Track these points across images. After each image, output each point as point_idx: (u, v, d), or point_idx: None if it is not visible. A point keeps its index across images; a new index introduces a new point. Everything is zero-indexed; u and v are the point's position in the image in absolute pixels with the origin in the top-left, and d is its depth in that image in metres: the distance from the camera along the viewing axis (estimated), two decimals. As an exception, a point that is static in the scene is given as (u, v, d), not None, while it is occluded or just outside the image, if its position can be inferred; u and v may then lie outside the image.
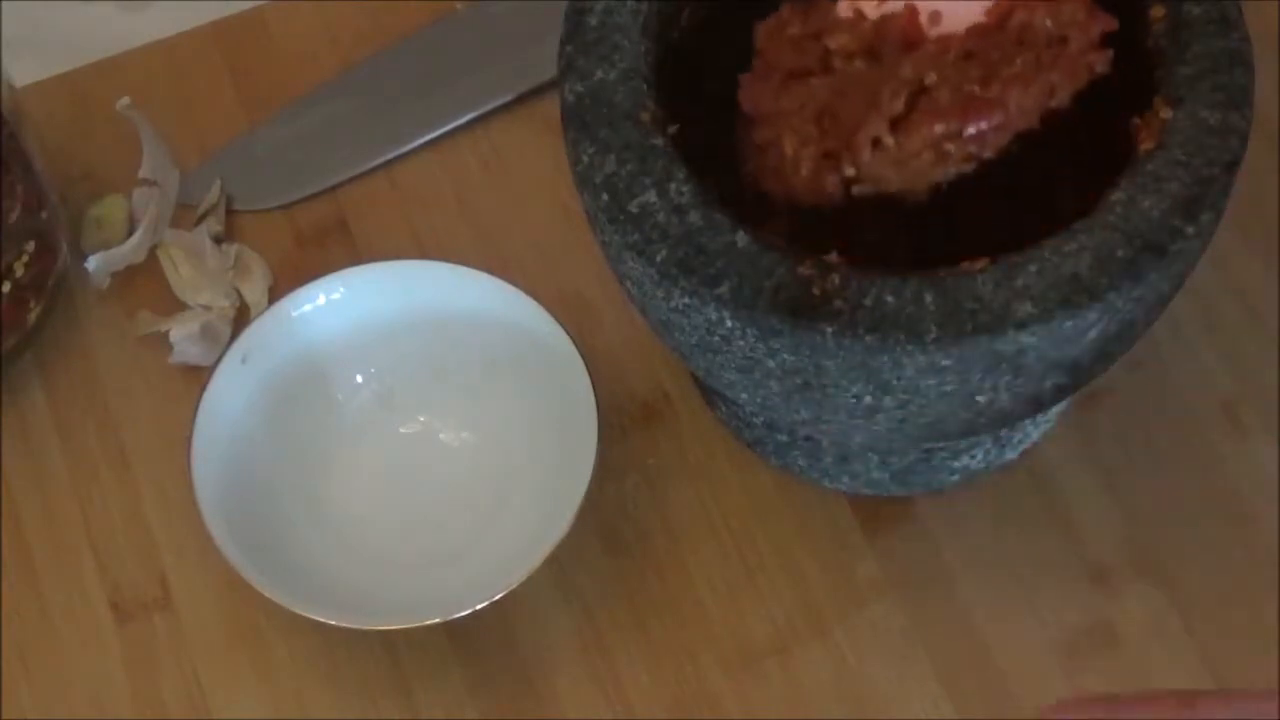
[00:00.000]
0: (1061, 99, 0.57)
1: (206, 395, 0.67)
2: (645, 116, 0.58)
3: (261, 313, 0.70)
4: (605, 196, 0.57)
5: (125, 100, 0.76)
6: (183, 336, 0.72)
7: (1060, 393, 0.58)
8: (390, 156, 0.78)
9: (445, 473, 0.70)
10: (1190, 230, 0.55)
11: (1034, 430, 0.69)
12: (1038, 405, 0.58)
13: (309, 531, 0.67)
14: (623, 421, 0.70)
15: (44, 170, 0.72)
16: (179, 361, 0.72)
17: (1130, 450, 0.69)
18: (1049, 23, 0.58)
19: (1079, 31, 0.57)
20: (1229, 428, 0.69)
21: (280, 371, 0.68)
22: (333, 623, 0.63)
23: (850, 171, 0.57)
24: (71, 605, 0.68)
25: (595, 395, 0.65)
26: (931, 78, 0.57)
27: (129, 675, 0.67)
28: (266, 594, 0.63)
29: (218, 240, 0.75)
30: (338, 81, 0.80)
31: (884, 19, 0.59)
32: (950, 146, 0.57)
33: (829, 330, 0.54)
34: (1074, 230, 0.55)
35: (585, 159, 0.58)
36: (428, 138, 0.78)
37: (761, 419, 0.68)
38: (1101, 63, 0.57)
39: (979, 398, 0.56)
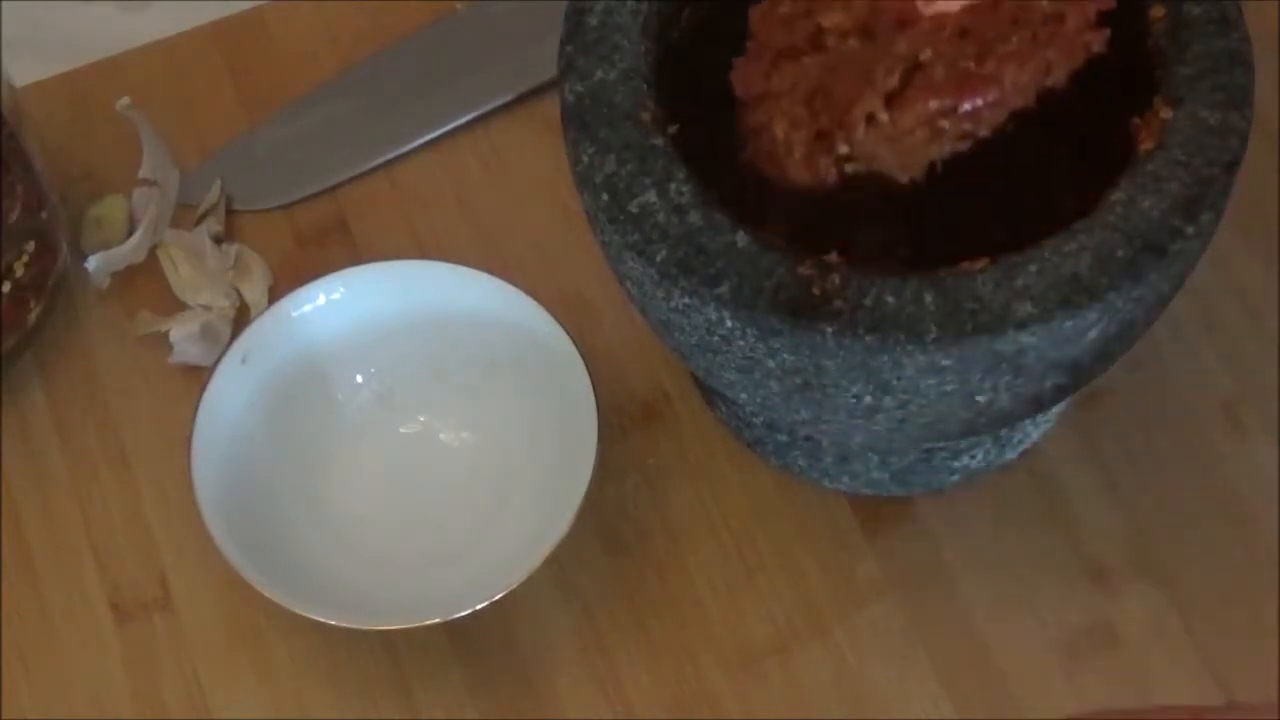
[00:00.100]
0: (1058, 78, 0.57)
1: (206, 395, 0.67)
2: (645, 116, 0.58)
3: (261, 313, 0.70)
4: (605, 196, 0.57)
5: (125, 100, 0.76)
6: (183, 336, 0.72)
7: (1060, 393, 0.58)
8: (390, 156, 0.78)
9: (445, 473, 0.70)
10: (1190, 230, 0.55)
11: (1034, 430, 0.69)
12: (1038, 405, 0.58)
13: (309, 531, 0.67)
14: (623, 421, 0.70)
15: (44, 170, 0.72)
16: (179, 361, 0.72)
17: (1130, 450, 0.69)
18: (1045, 1, 0.57)
19: (1075, 10, 0.57)
20: (1229, 428, 0.69)
21: (280, 371, 0.68)
22: (333, 623, 0.63)
23: (844, 149, 0.57)
24: (71, 605, 0.68)
25: (595, 395, 0.65)
26: (927, 54, 0.57)
27: (129, 675, 0.67)
28: (266, 594, 0.63)
29: (218, 240, 0.75)
30: (338, 81, 0.80)
31: (878, -4, 0.59)
32: (945, 123, 0.56)
33: (829, 330, 0.54)
34: (1074, 230, 0.55)
35: (585, 159, 0.58)
36: (428, 138, 0.78)
37: (761, 419, 0.68)
38: (1098, 42, 0.57)
39: (979, 398, 0.56)
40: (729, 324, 0.55)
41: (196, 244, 0.75)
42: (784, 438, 0.68)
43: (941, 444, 0.66)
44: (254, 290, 0.74)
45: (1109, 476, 0.69)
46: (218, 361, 0.68)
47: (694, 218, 0.56)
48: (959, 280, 0.54)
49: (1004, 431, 0.67)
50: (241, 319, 0.73)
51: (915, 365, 0.54)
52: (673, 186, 0.57)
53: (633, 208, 0.57)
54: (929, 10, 0.58)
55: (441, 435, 0.70)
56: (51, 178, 0.73)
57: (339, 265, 0.70)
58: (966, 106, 0.56)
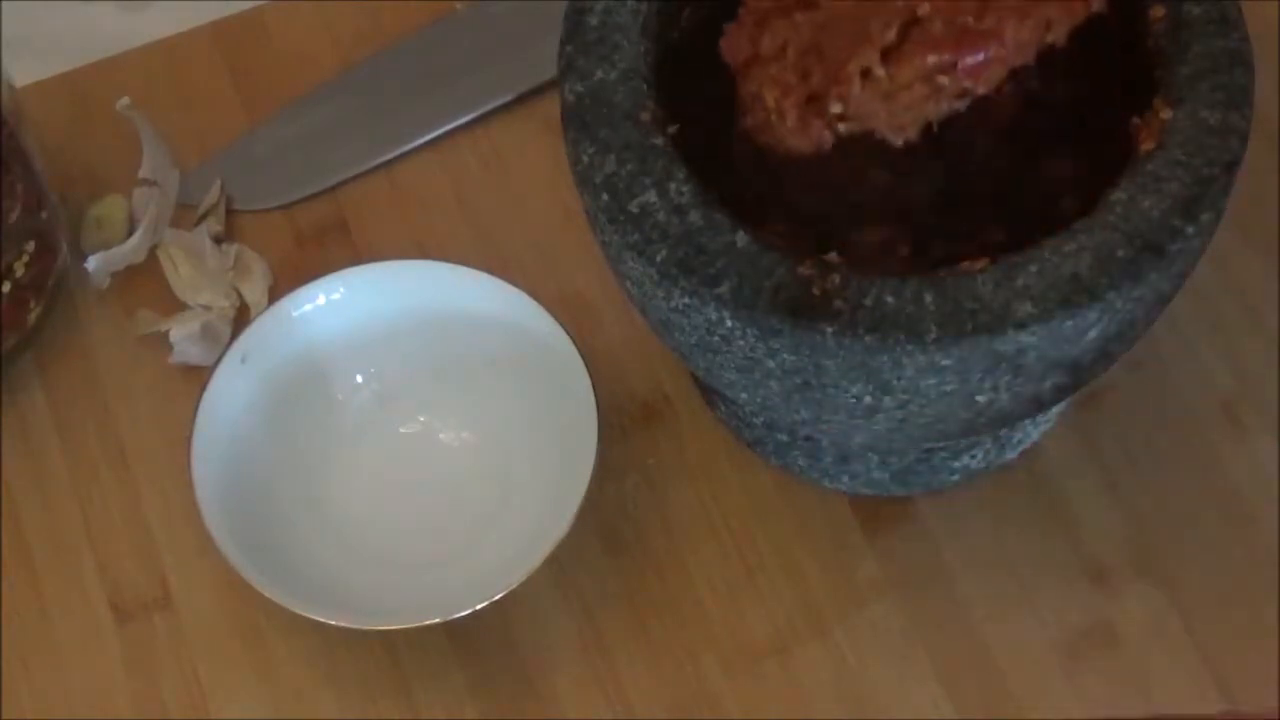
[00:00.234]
0: (1058, 34, 0.57)
1: (206, 395, 0.67)
2: (645, 116, 0.58)
3: (261, 313, 0.70)
4: (605, 196, 0.57)
5: (125, 100, 0.76)
6: (183, 336, 0.72)
7: (1060, 393, 0.58)
8: (390, 156, 0.78)
9: (445, 473, 0.70)
10: (1190, 230, 0.55)
11: (1034, 430, 0.69)
12: (1038, 405, 0.58)
13: (309, 531, 0.67)
14: (623, 421, 0.70)
15: (44, 170, 0.72)
16: (179, 361, 0.72)
17: (1130, 450, 0.69)
18: None
19: None
20: (1229, 428, 0.69)
21: (280, 371, 0.68)
22: (333, 623, 0.63)
23: (837, 108, 0.57)
24: (71, 605, 0.68)
25: (595, 395, 0.65)
26: (924, 9, 0.56)
27: (129, 675, 0.67)
28: (266, 594, 0.63)
29: (218, 240, 0.75)
30: (338, 81, 0.80)
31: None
32: (944, 79, 0.56)
33: (829, 330, 0.54)
34: (1074, 230, 0.55)
35: (585, 159, 0.58)
36: (428, 138, 0.78)
37: (761, 419, 0.68)
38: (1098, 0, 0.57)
39: (979, 398, 0.56)
40: (729, 324, 0.55)
41: (196, 244, 0.75)
42: (784, 438, 0.68)
43: (941, 444, 0.66)
44: (254, 290, 0.74)
45: (1109, 476, 0.69)
46: (218, 361, 0.68)
47: (694, 218, 0.56)
48: (959, 280, 0.54)
49: (1004, 431, 0.67)
50: (241, 319, 0.73)
51: (915, 365, 0.54)
52: (673, 186, 0.57)
53: (633, 208, 0.57)
54: None
55: (441, 435, 0.70)
56: (51, 178, 0.73)
57: (339, 265, 0.70)
58: (967, 62, 0.56)
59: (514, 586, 0.63)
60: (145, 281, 0.75)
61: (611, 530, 0.68)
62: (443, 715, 0.66)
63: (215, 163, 0.78)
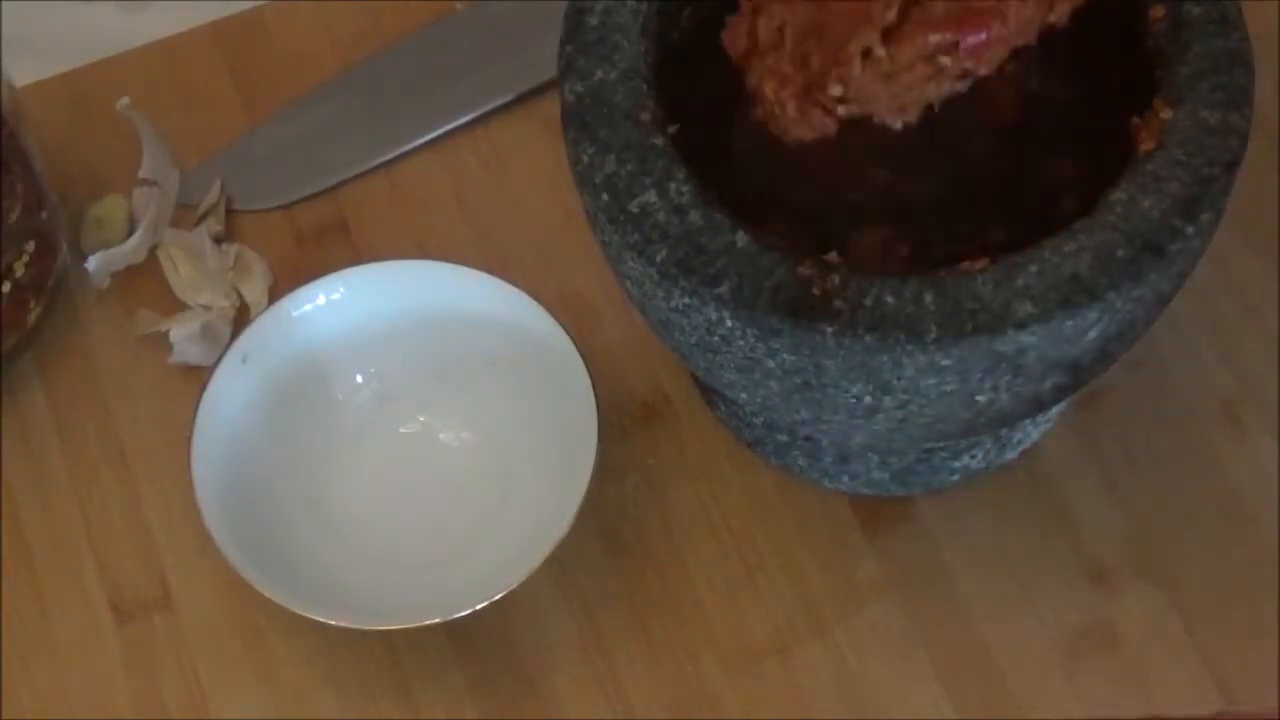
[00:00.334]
0: (1060, 15, 0.56)
1: (206, 395, 0.67)
2: (645, 116, 0.58)
3: (261, 313, 0.70)
4: (605, 196, 0.57)
5: (125, 100, 0.76)
6: (183, 336, 0.72)
7: (1060, 393, 0.58)
8: (390, 156, 0.78)
9: (445, 473, 0.70)
10: (1190, 230, 0.55)
11: (1034, 430, 0.69)
12: (1038, 405, 0.58)
13: (309, 531, 0.67)
14: (623, 421, 0.70)
15: (44, 170, 0.72)
16: (179, 361, 0.72)
17: (1130, 450, 0.69)
18: None
19: None
20: (1229, 428, 0.69)
21: (280, 371, 0.68)
22: (333, 623, 0.63)
23: (838, 90, 0.56)
24: (71, 605, 0.68)
25: (595, 395, 0.65)
26: None
27: (129, 675, 0.67)
28: (266, 594, 0.63)
29: (218, 240, 0.75)
30: (338, 81, 0.80)
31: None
32: (945, 60, 0.56)
33: (829, 330, 0.54)
34: (1074, 230, 0.55)
35: (585, 159, 0.58)
36: (428, 138, 0.78)
37: (761, 419, 0.68)
38: None
39: (979, 398, 0.56)
40: (729, 324, 0.55)
41: (196, 244, 0.75)
42: (784, 438, 0.68)
43: (941, 444, 0.66)
44: (254, 290, 0.74)
45: (1109, 476, 0.69)
46: (218, 361, 0.68)
47: (694, 218, 0.56)
48: (959, 280, 0.54)
49: (1004, 431, 0.67)
50: (241, 319, 0.73)
51: (915, 365, 0.54)
52: (673, 186, 0.57)
53: (633, 208, 0.57)
54: None
55: (441, 435, 0.70)
56: (51, 178, 0.73)
57: (339, 265, 0.70)
58: (969, 41, 0.55)
59: (514, 586, 0.63)
60: (145, 281, 0.75)
61: (611, 530, 0.68)
62: (443, 715, 0.66)
63: (215, 163, 0.78)
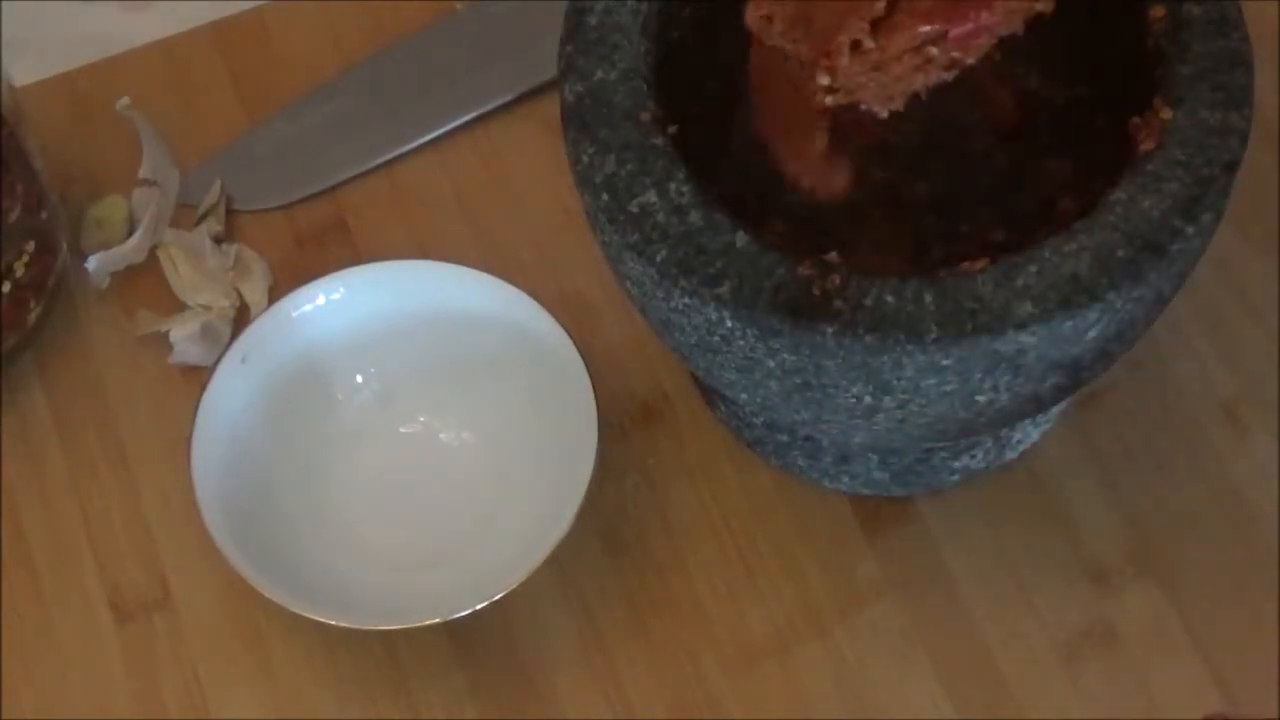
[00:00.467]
0: (1046, 4, 0.56)
1: (206, 395, 0.67)
2: (645, 116, 0.58)
3: (261, 313, 0.70)
4: (605, 196, 0.57)
5: (125, 100, 0.76)
6: (183, 336, 0.72)
7: (1060, 393, 0.58)
8: (390, 156, 0.78)
9: (445, 473, 0.70)
10: (1190, 230, 0.55)
11: (1034, 430, 0.69)
12: (1038, 405, 0.58)
13: (309, 531, 0.67)
14: (623, 421, 0.70)
15: (44, 170, 0.72)
16: (179, 361, 0.72)
17: (1130, 450, 0.69)
18: None
19: None
20: (1229, 428, 0.69)
21: (280, 371, 0.68)
22: (333, 623, 0.63)
23: (825, 80, 0.56)
24: (71, 605, 0.68)
25: (595, 395, 0.65)
26: None
27: (129, 675, 0.67)
28: (266, 594, 0.63)
29: (218, 240, 0.75)
30: (338, 81, 0.80)
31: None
32: (934, 50, 0.56)
33: (829, 330, 0.54)
34: (1074, 230, 0.55)
35: (585, 159, 0.58)
36: (428, 138, 0.78)
37: (761, 419, 0.68)
38: None
39: (979, 398, 0.56)
40: (729, 324, 0.55)
41: (196, 244, 0.75)
42: (784, 438, 0.68)
43: (941, 444, 0.66)
44: (254, 290, 0.74)
45: (1109, 476, 0.69)
46: (218, 361, 0.68)
47: (694, 218, 0.56)
48: (959, 280, 0.54)
49: (1004, 431, 0.67)
50: (241, 319, 0.73)
51: (915, 365, 0.54)
52: (673, 186, 0.57)
53: (633, 208, 0.57)
54: None
55: (441, 435, 0.70)
56: (51, 178, 0.73)
57: (339, 265, 0.70)
58: (956, 31, 0.55)
59: (514, 586, 0.63)
60: (145, 281, 0.75)
61: (611, 530, 0.68)
62: (443, 715, 0.66)
63: (215, 163, 0.78)
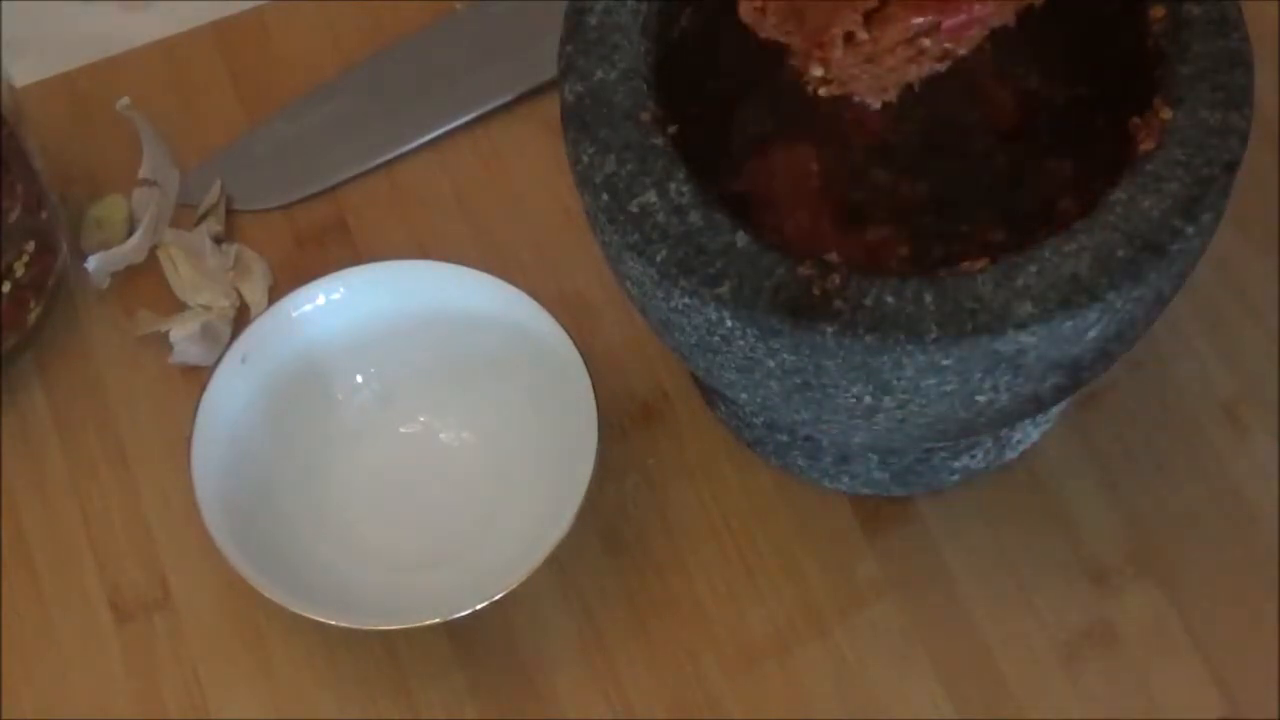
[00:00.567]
0: None
1: (206, 395, 0.67)
2: (645, 116, 0.58)
3: (261, 313, 0.70)
4: (605, 196, 0.57)
5: (125, 100, 0.76)
6: (183, 336, 0.72)
7: (1060, 393, 0.58)
8: (390, 156, 0.78)
9: (445, 473, 0.70)
10: (1190, 230, 0.55)
11: (1034, 430, 0.69)
12: (1038, 405, 0.58)
13: (309, 531, 0.67)
14: (623, 421, 0.70)
15: (44, 170, 0.72)
16: (179, 361, 0.72)
17: (1130, 450, 0.69)
18: None
19: None
20: (1229, 428, 0.69)
21: (280, 371, 0.68)
22: (333, 623, 0.63)
23: (819, 71, 0.56)
24: (71, 605, 0.68)
25: (595, 395, 0.65)
26: None
27: (129, 675, 0.67)
28: (266, 594, 0.63)
29: (218, 240, 0.75)
30: (338, 81, 0.80)
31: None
32: (926, 41, 0.56)
33: (829, 330, 0.54)
34: (1074, 230, 0.55)
35: (585, 159, 0.58)
36: (428, 138, 0.78)
37: (761, 419, 0.68)
38: None
39: (979, 398, 0.56)
40: (729, 324, 0.55)
41: (196, 244, 0.75)
42: (784, 438, 0.68)
43: (941, 444, 0.66)
44: (254, 290, 0.74)
45: (1109, 476, 0.69)
46: (218, 361, 0.68)
47: (694, 218, 0.56)
48: (959, 280, 0.54)
49: (1004, 431, 0.67)
50: (241, 319, 0.73)
51: (915, 365, 0.54)
52: (673, 186, 0.57)
53: (633, 208, 0.57)
54: None
55: (441, 435, 0.70)
56: (51, 178, 0.73)
57: (339, 265, 0.70)
58: (949, 23, 0.56)
59: (514, 586, 0.63)
60: (145, 281, 0.75)
61: (611, 530, 0.68)
62: (443, 715, 0.66)
63: (215, 163, 0.78)
